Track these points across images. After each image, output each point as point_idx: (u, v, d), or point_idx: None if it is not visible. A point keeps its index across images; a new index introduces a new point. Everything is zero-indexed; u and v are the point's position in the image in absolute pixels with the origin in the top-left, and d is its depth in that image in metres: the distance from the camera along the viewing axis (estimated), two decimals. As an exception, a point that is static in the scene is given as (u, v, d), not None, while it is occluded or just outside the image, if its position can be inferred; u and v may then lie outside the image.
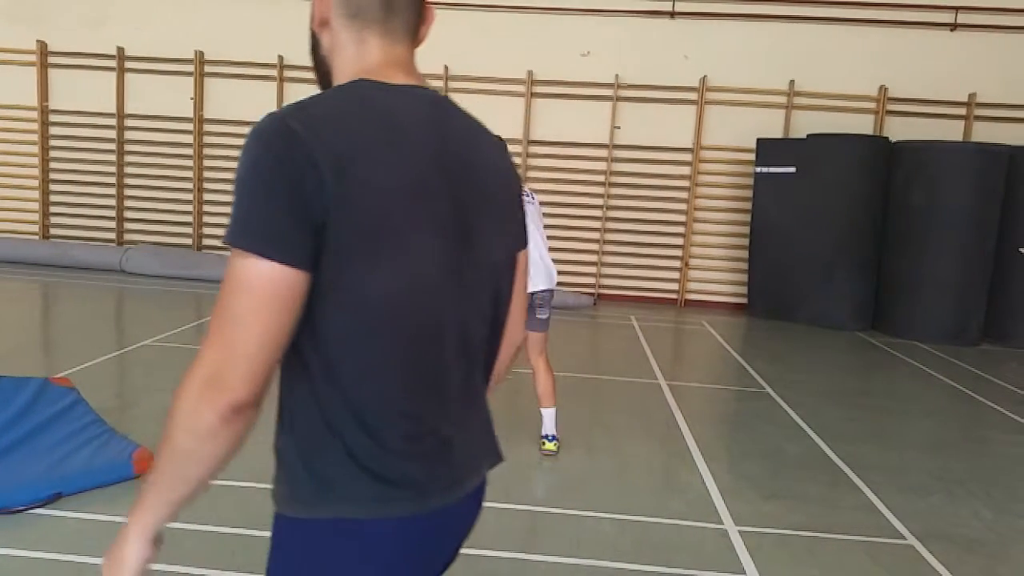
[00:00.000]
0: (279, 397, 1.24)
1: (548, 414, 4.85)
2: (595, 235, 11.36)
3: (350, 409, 1.17)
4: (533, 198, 4.85)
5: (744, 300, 11.01)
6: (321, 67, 1.34)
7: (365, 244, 1.11)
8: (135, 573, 1.18)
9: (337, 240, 1.09)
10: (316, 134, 1.09)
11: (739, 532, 3.85)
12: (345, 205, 1.09)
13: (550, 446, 4.82)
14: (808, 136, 10.32)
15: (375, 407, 1.18)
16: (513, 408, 5.57)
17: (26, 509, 3.51)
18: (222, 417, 1.06)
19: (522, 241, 1.43)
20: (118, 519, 3.49)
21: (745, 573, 3.44)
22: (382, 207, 1.13)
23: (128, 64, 11.52)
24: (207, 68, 11.39)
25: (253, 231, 1.07)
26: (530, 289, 4.57)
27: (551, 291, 4.78)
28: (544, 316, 4.78)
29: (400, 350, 1.18)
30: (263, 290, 1.06)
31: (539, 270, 4.68)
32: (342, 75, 1.28)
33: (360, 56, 1.27)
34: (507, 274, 1.38)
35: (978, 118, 10.72)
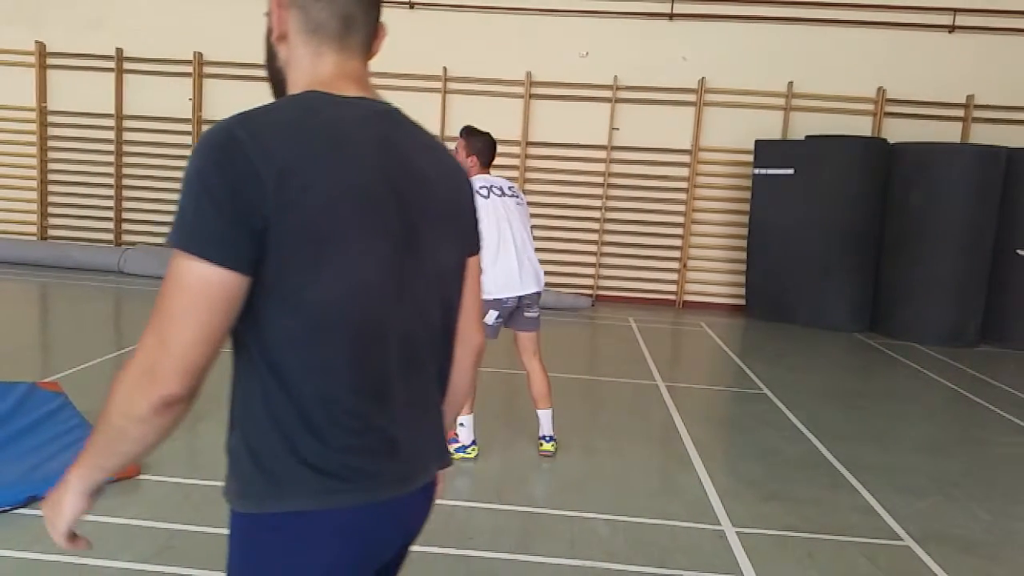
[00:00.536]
0: (230, 397, 1.28)
1: (545, 415, 4.85)
2: (593, 236, 11.36)
3: (296, 408, 1.21)
4: (521, 199, 4.83)
5: (742, 301, 11.01)
6: (276, 77, 1.38)
7: (307, 249, 1.16)
8: (71, 520, 1.28)
9: (279, 245, 1.14)
10: (260, 143, 1.14)
11: (736, 533, 3.85)
12: (286, 212, 1.14)
13: (548, 447, 4.82)
14: (806, 137, 10.33)
15: (319, 406, 1.22)
16: (511, 409, 5.58)
17: (3, 511, 3.49)
18: (153, 408, 1.12)
19: (474, 247, 1.48)
20: (118, 520, 3.49)
21: (742, 574, 3.44)
22: (324, 214, 1.17)
23: (127, 65, 11.52)
24: (206, 69, 11.40)
25: (193, 233, 1.12)
26: (520, 292, 4.59)
27: (539, 292, 4.77)
28: (534, 315, 4.80)
29: (343, 352, 1.22)
30: (199, 290, 1.12)
31: (528, 272, 4.69)
32: (296, 86, 1.33)
33: (315, 68, 1.32)
34: (456, 280, 1.44)
35: (976, 120, 10.73)
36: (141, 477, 3.96)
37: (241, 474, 1.26)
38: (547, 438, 4.84)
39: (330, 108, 1.26)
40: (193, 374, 1.13)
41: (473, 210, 1.49)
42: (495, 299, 4.56)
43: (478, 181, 4.64)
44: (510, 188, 4.76)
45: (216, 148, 1.14)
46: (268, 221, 1.13)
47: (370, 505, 1.29)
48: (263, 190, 1.12)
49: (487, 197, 4.59)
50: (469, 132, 4.78)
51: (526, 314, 4.75)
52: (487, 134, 4.77)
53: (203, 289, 1.12)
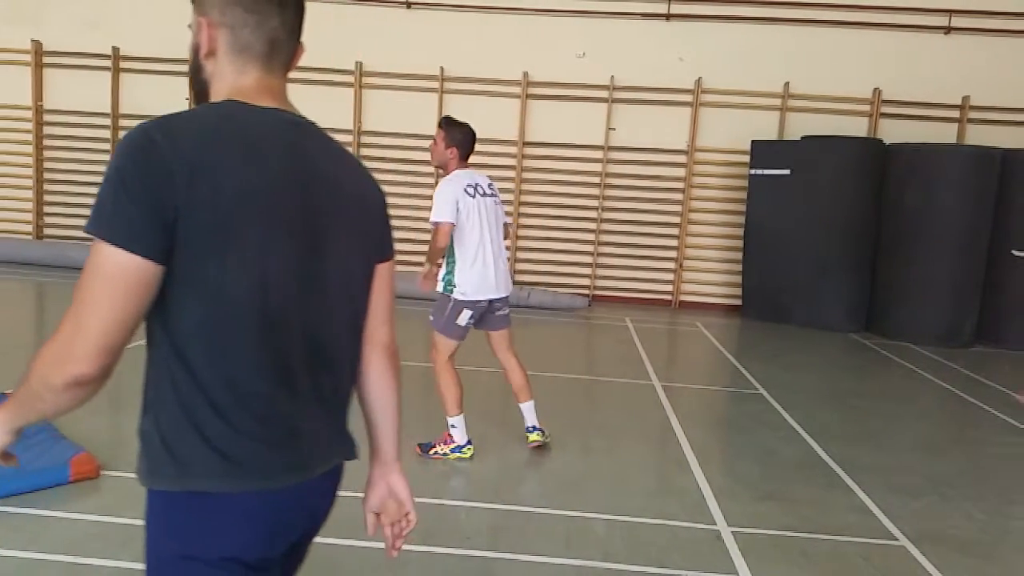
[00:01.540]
0: (144, 383, 1.37)
1: (528, 408, 4.86)
2: (590, 236, 11.37)
3: (202, 393, 1.30)
4: (498, 197, 4.81)
5: (738, 302, 11.03)
6: (200, 88, 1.48)
7: (214, 242, 1.26)
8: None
9: (188, 237, 1.24)
10: (175, 145, 1.24)
11: (732, 533, 3.86)
12: (196, 207, 1.24)
13: (536, 437, 4.83)
14: (802, 138, 10.35)
15: (224, 392, 1.31)
16: (506, 409, 5.57)
17: None
18: (66, 384, 1.22)
19: (384, 253, 1.58)
20: (118, 520, 3.49)
21: (738, 574, 3.45)
22: (231, 210, 1.27)
23: (123, 64, 11.50)
24: (202, 68, 11.39)
25: (110, 224, 1.22)
26: (494, 296, 4.60)
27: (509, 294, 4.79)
28: (505, 313, 4.80)
29: (247, 340, 1.32)
30: (114, 276, 1.21)
31: (501, 276, 4.70)
32: (217, 96, 1.44)
33: (237, 81, 1.42)
34: (364, 284, 1.54)
35: (971, 121, 10.77)
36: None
37: (151, 455, 1.34)
38: (532, 428, 4.84)
39: (245, 115, 1.36)
40: (105, 356, 1.22)
41: (385, 218, 1.59)
42: (470, 301, 4.56)
43: (462, 178, 4.59)
44: (489, 186, 4.74)
45: (135, 148, 1.24)
46: (179, 214, 1.22)
47: (272, 491, 1.37)
48: (175, 187, 1.22)
49: (473, 196, 4.56)
50: (448, 123, 4.69)
51: (497, 314, 4.76)
52: (466, 125, 4.68)
53: (119, 275, 1.21)
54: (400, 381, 1.67)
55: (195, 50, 1.45)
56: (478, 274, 4.56)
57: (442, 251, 4.54)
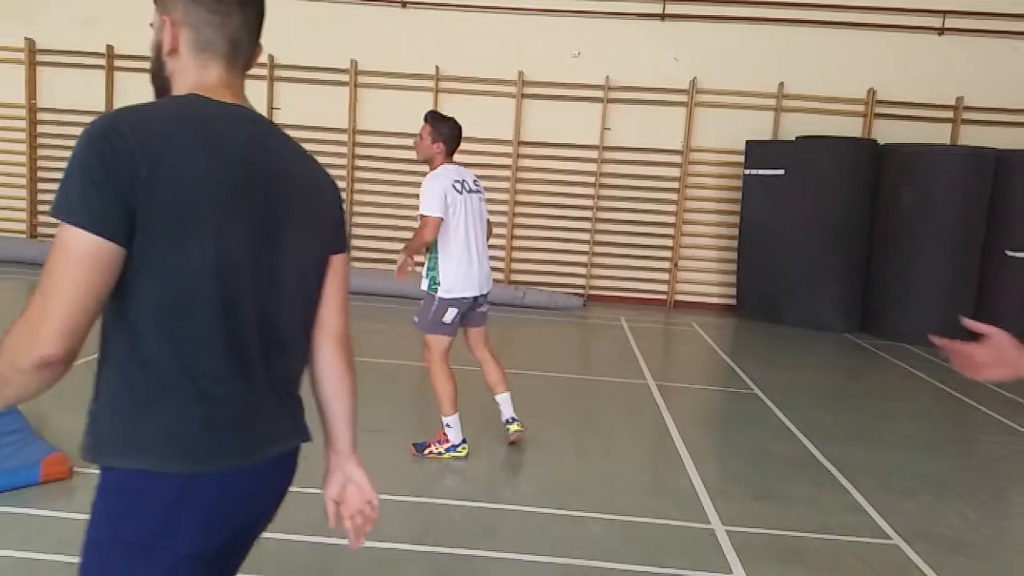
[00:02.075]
0: (96, 369, 1.40)
1: (505, 399, 4.86)
2: (585, 236, 11.37)
3: (152, 375, 1.35)
4: (483, 193, 4.80)
5: (733, 301, 11.05)
6: (162, 84, 1.52)
7: (173, 227, 1.31)
8: None
9: (148, 222, 1.29)
10: (137, 134, 1.30)
11: (727, 532, 3.86)
12: (157, 193, 1.29)
13: (516, 427, 4.83)
14: (797, 138, 10.37)
15: (175, 373, 1.35)
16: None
17: None
18: (33, 365, 1.25)
19: (338, 246, 1.63)
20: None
21: (732, 573, 3.45)
22: (191, 197, 1.32)
23: (118, 63, 11.46)
24: (197, 67, 11.35)
25: (75, 208, 1.26)
26: (478, 292, 4.60)
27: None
28: (484, 310, 4.82)
29: (201, 324, 1.36)
30: (80, 259, 1.25)
31: (484, 272, 4.71)
32: (180, 90, 1.49)
33: (200, 78, 1.47)
34: (317, 273, 1.58)
35: (965, 121, 10.79)
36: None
37: (97, 432, 1.38)
38: (511, 419, 4.84)
39: (205, 108, 1.42)
40: (70, 337, 1.26)
41: (339, 212, 1.64)
42: (456, 298, 4.55)
43: (450, 174, 4.57)
44: (475, 182, 4.74)
45: (99, 136, 1.28)
46: (140, 200, 1.27)
47: (217, 473, 1.40)
48: (137, 174, 1.27)
49: (460, 193, 4.55)
50: (435, 117, 4.66)
51: (478, 310, 4.78)
52: (453, 119, 4.66)
53: (84, 258, 1.25)
54: (354, 371, 1.69)
55: (157, 47, 1.50)
56: (464, 271, 4.56)
57: (426, 245, 4.52)
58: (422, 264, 4.65)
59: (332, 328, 1.64)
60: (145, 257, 1.30)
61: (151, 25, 1.50)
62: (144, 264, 1.30)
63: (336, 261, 1.62)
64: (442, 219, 4.46)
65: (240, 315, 1.40)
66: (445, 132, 4.60)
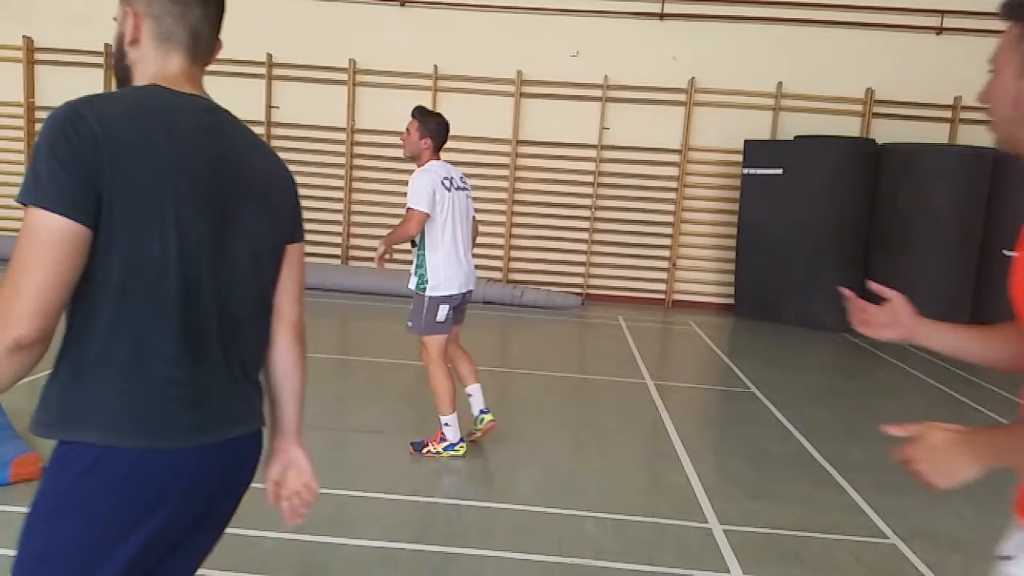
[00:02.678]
0: (57, 352, 1.42)
1: (478, 390, 4.85)
2: (583, 235, 11.38)
3: (108, 353, 1.37)
4: (470, 190, 4.78)
5: (731, 301, 11.06)
6: (123, 73, 1.57)
7: (134, 213, 1.35)
8: None
9: (111, 206, 1.33)
10: (101, 121, 1.34)
11: (724, 531, 3.86)
12: (119, 178, 1.33)
13: (490, 417, 4.82)
14: (795, 138, 10.38)
15: (129, 352, 1.38)
16: (499, 408, 5.57)
17: None
18: (8, 348, 1.28)
19: (294, 236, 1.68)
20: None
21: (730, 572, 3.46)
22: (151, 185, 1.37)
23: (115, 61, 11.44)
24: (195, 66, 11.34)
25: (44, 192, 1.30)
26: (466, 289, 4.60)
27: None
28: (464, 307, 4.80)
29: (158, 305, 1.40)
30: (49, 240, 1.29)
31: (470, 270, 4.70)
32: (141, 82, 1.53)
33: (161, 68, 1.52)
34: (273, 261, 1.63)
35: (963, 121, 10.80)
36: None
37: (47, 407, 1.41)
38: (485, 410, 4.83)
39: (165, 98, 1.47)
40: (43, 318, 1.29)
41: (295, 202, 1.70)
42: (446, 295, 4.54)
43: (439, 170, 4.55)
44: (461, 179, 4.72)
45: (65, 123, 1.32)
46: (104, 184, 1.32)
47: (167, 450, 1.42)
48: (102, 158, 1.32)
49: (449, 190, 4.54)
50: (422, 112, 4.65)
51: (462, 307, 4.77)
52: (440, 115, 4.65)
53: (54, 239, 1.28)
54: (305, 359, 1.74)
55: (120, 38, 1.54)
56: (453, 268, 4.55)
57: (409, 238, 4.51)
58: (401, 257, 4.61)
59: (287, 316, 1.68)
60: (108, 241, 1.33)
61: (114, 19, 1.55)
62: (106, 247, 1.34)
63: (292, 250, 1.67)
64: (428, 215, 4.45)
65: (197, 299, 1.44)
66: (432, 128, 4.59)
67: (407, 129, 4.62)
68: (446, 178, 4.55)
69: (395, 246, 4.59)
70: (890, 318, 1.78)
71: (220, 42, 1.60)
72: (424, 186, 4.44)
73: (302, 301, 1.73)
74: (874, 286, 1.87)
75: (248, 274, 1.55)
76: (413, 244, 4.61)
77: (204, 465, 1.49)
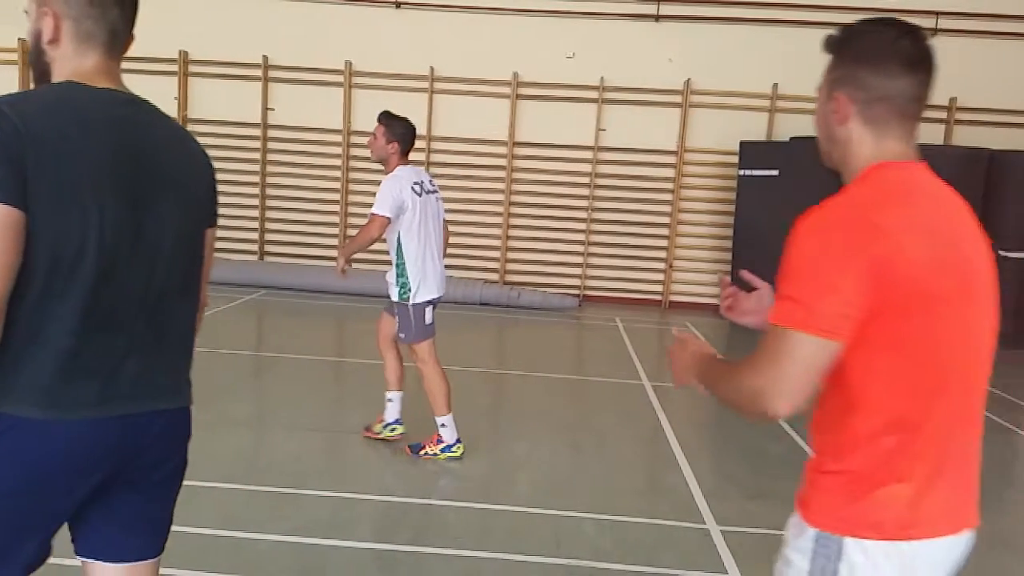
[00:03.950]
0: None
1: (399, 398, 4.83)
2: (580, 237, 11.38)
3: (26, 329, 1.47)
4: (439, 192, 4.77)
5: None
6: (42, 70, 1.65)
7: (55, 203, 1.45)
8: None
9: (35, 195, 1.42)
10: (22, 117, 1.43)
11: (722, 532, 3.87)
12: (41, 170, 1.43)
13: (401, 429, 4.81)
14: (791, 139, 10.38)
15: (43, 329, 1.48)
16: (498, 408, 5.58)
17: None
18: None
19: (211, 220, 1.80)
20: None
21: (728, 572, 3.46)
22: (70, 176, 1.46)
23: (111, 63, 11.42)
24: (191, 68, 11.32)
25: None
26: (441, 292, 4.57)
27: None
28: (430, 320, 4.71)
29: (78, 288, 1.49)
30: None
31: (443, 274, 4.69)
32: (59, 78, 1.62)
33: (78, 65, 1.61)
34: (192, 243, 1.72)
35: (959, 122, 10.83)
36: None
37: None
38: (399, 421, 4.82)
39: (81, 94, 1.56)
40: None
41: (213, 189, 1.80)
42: (428, 300, 4.54)
43: (409, 175, 4.55)
44: (431, 182, 4.72)
45: None
46: (28, 175, 1.42)
47: (72, 421, 1.52)
48: (25, 150, 1.41)
49: (420, 195, 4.53)
50: (388, 117, 4.65)
51: (426, 320, 4.71)
52: (406, 119, 4.65)
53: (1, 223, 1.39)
54: (200, 330, 1.85)
55: (36, 36, 1.62)
56: (430, 271, 4.55)
57: (371, 243, 4.52)
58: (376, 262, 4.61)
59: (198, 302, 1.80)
60: (33, 229, 1.43)
61: (25, 12, 1.64)
62: (31, 236, 1.43)
63: (208, 234, 1.78)
64: (390, 220, 4.43)
65: (116, 282, 1.53)
66: (400, 131, 4.59)
67: (373, 134, 4.63)
68: (416, 183, 4.54)
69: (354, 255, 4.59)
70: (756, 305, 1.88)
71: (133, 36, 1.68)
72: (393, 193, 4.44)
73: (208, 280, 1.85)
74: (747, 275, 1.97)
75: (171, 259, 1.64)
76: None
77: (115, 437, 1.59)
